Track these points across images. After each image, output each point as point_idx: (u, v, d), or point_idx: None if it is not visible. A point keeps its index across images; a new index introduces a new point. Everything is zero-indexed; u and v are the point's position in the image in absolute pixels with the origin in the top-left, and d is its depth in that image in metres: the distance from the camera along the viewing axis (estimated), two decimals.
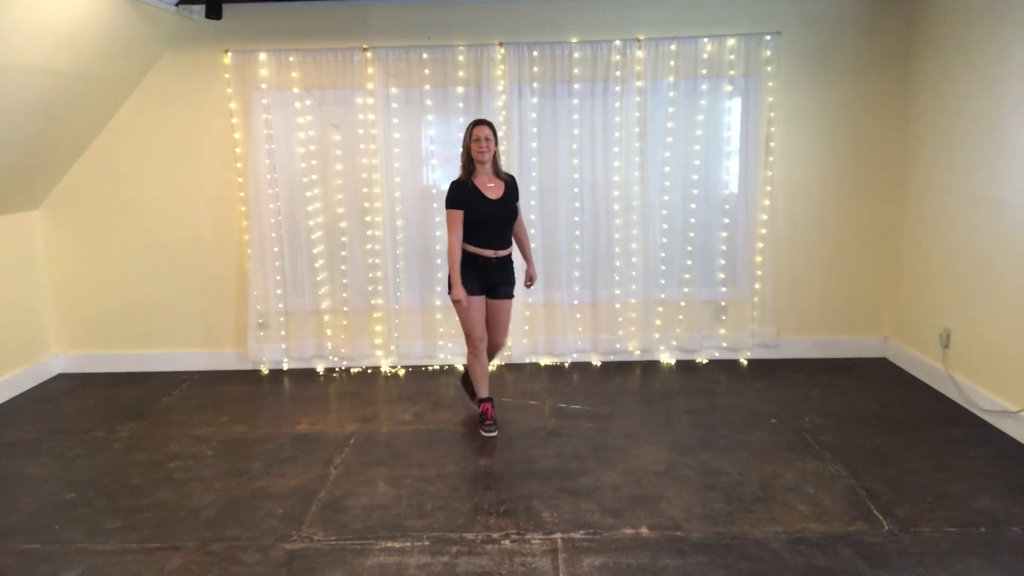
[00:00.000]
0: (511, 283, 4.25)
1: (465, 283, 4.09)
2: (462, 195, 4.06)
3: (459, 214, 4.05)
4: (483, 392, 4.32)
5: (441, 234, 5.31)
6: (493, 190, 4.09)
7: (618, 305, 5.44)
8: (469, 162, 4.09)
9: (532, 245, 5.29)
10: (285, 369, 5.55)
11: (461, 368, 5.46)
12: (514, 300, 4.35)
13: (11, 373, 5.11)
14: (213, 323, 5.55)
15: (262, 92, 5.18)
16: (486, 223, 4.08)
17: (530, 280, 4.43)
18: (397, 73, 5.17)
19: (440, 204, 5.21)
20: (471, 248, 4.12)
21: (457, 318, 4.32)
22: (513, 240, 4.29)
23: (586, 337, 5.52)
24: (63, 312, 5.53)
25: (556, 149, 5.24)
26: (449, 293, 4.15)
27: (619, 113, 5.19)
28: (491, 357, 4.44)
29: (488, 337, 4.26)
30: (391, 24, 5.14)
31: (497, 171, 4.15)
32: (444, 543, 3.16)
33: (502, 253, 4.16)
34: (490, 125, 4.09)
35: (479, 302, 4.15)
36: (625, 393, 4.94)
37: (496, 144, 4.10)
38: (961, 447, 3.98)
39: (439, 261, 5.37)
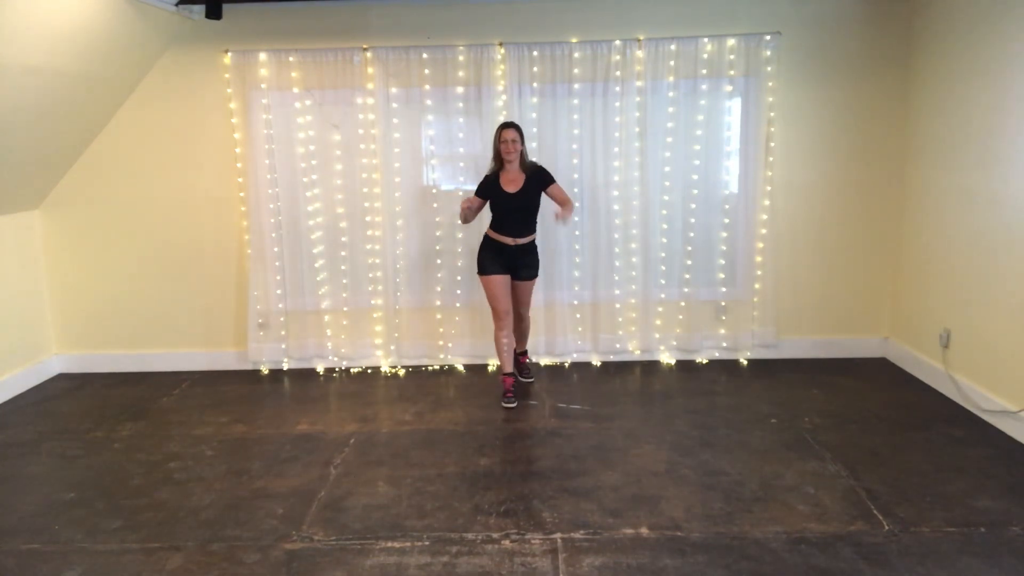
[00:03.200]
0: (532, 266, 4.75)
1: (487, 264, 4.67)
2: (484, 187, 4.67)
3: (478, 200, 4.69)
4: (507, 367, 4.78)
5: (441, 234, 5.36)
6: (513, 184, 4.58)
7: (618, 305, 5.44)
8: (497, 159, 4.61)
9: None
10: (285, 369, 5.55)
11: (461, 368, 5.48)
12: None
13: (11, 373, 5.11)
14: (213, 323, 5.55)
15: (262, 92, 5.18)
16: (504, 214, 4.62)
17: (560, 216, 4.65)
18: (397, 73, 5.17)
19: (440, 204, 5.34)
20: (494, 234, 4.66)
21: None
22: (537, 226, 4.80)
23: (586, 337, 5.52)
24: (63, 312, 5.53)
25: (556, 149, 5.24)
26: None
27: (619, 113, 5.19)
28: (518, 333, 4.99)
29: (515, 308, 4.81)
30: (391, 24, 5.14)
31: (523, 167, 4.60)
32: (444, 543, 3.16)
33: (521, 241, 4.65)
34: (516, 127, 4.58)
35: (500, 280, 4.66)
36: (625, 393, 4.94)
37: (522, 144, 4.59)
38: (961, 447, 3.98)
39: (439, 261, 5.38)
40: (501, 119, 5.14)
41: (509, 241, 4.64)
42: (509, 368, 4.80)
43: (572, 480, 3.69)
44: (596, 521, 3.30)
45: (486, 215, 4.77)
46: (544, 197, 4.72)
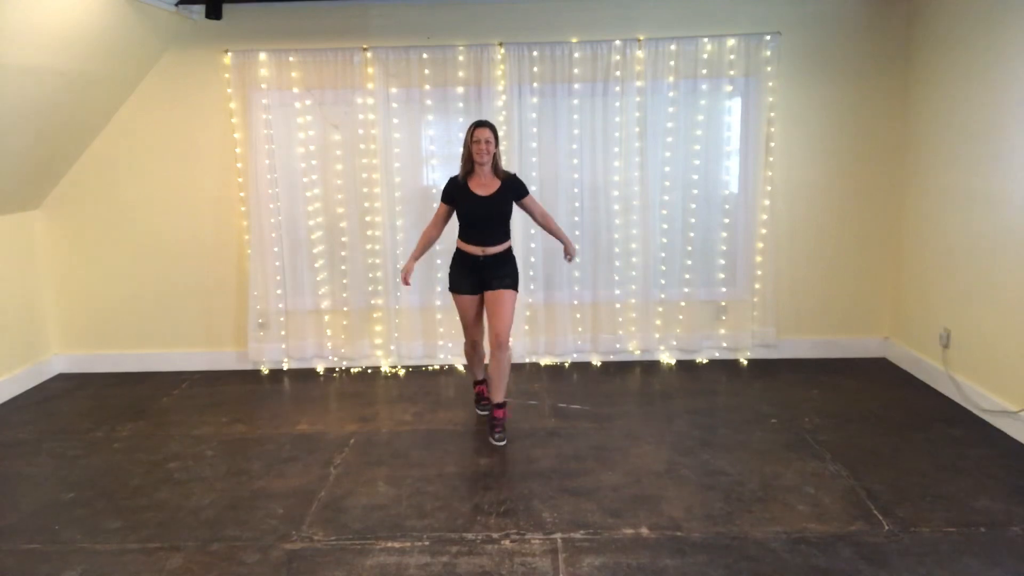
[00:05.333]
0: (508, 276, 4.19)
1: (455, 280, 4.24)
2: (451, 191, 4.18)
3: (443, 208, 4.23)
4: (478, 375, 4.59)
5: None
6: (484, 188, 4.12)
7: (618, 305, 5.44)
8: (468, 161, 4.12)
9: (532, 245, 5.30)
10: (285, 369, 5.55)
11: (462, 368, 5.47)
12: (516, 295, 4.24)
13: (11, 373, 5.11)
14: (213, 323, 5.55)
15: (262, 92, 5.18)
16: (472, 220, 4.13)
17: (568, 255, 4.33)
18: (397, 73, 5.17)
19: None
20: (462, 245, 4.20)
21: (459, 317, 4.39)
22: (545, 230, 4.39)
23: (586, 337, 5.52)
24: (63, 312, 5.53)
25: (556, 149, 5.24)
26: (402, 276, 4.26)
27: (619, 113, 5.19)
28: (494, 371, 4.18)
29: (490, 328, 4.19)
30: (391, 24, 5.14)
31: (496, 171, 4.15)
32: (444, 543, 3.16)
33: (491, 250, 4.14)
34: (491, 127, 4.09)
35: (468, 301, 4.24)
36: (625, 393, 4.94)
37: (496, 146, 4.11)
38: (961, 447, 3.98)
39: (439, 261, 5.37)
40: (501, 119, 5.15)
41: (477, 251, 4.13)
42: (481, 374, 4.56)
43: (572, 480, 3.69)
44: (596, 521, 3.30)
45: (454, 226, 4.29)
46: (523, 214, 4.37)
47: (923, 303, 5.01)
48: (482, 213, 4.11)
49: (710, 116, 5.21)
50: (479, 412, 4.57)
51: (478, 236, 4.14)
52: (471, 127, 4.10)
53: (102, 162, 5.31)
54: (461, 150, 4.17)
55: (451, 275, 4.28)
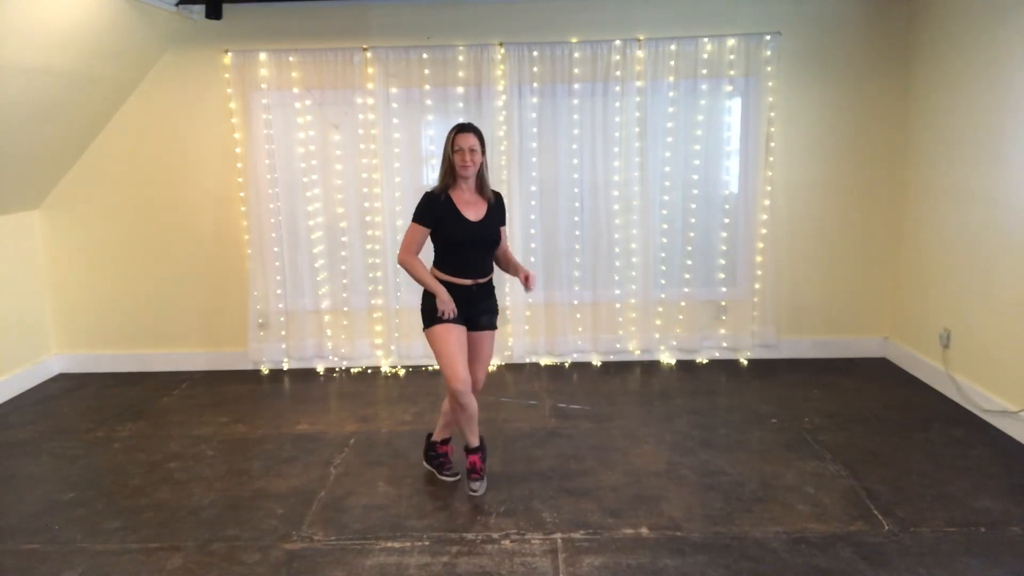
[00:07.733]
0: (494, 312, 3.59)
1: (436, 315, 3.43)
2: (432, 210, 3.38)
3: (422, 232, 3.41)
4: (473, 440, 3.59)
5: None
6: (473, 210, 3.41)
7: (618, 305, 5.44)
8: (449, 173, 3.38)
9: (532, 245, 5.30)
10: (285, 369, 5.55)
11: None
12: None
13: (11, 373, 5.11)
14: (213, 323, 5.55)
15: (262, 92, 5.18)
16: (460, 248, 3.41)
17: (527, 281, 3.43)
18: (397, 73, 5.17)
19: None
20: (445, 276, 3.44)
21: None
22: (495, 264, 3.63)
23: (586, 337, 5.52)
24: (63, 312, 5.53)
25: (556, 149, 5.24)
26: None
27: (619, 113, 5.19)
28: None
29: (469, 372, 3.49)
30: (391, 24, 5.14)
31: (482, 188, 3.44)
32: (444, 543, 3.16)
33: (482, 280, 3.49)
34: (476, 132, 3.35)
35: (457, 333, 3.42)
36: (625, 393, 4.94)
37: (484, 155, 3.38)
38: (961, 447, 3.98)
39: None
40: (501, 119, 5.15)
41: (468, 283, 3.43)
42: (476, 440, 3.59)
43: (572, 480, 3.69)
44: (596, 521, 3.30)
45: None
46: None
47: (923, 303, 5.01)
48: (473, 239, 3.40)
49: (710, 116, 5.21)
50: (471, 492, 3.57)
51: (468, 267, 3.44)
52: (452, 132, 3.36)
53: (102, 162, 5.30)
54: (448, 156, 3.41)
55: (431, 308, 3.44)
